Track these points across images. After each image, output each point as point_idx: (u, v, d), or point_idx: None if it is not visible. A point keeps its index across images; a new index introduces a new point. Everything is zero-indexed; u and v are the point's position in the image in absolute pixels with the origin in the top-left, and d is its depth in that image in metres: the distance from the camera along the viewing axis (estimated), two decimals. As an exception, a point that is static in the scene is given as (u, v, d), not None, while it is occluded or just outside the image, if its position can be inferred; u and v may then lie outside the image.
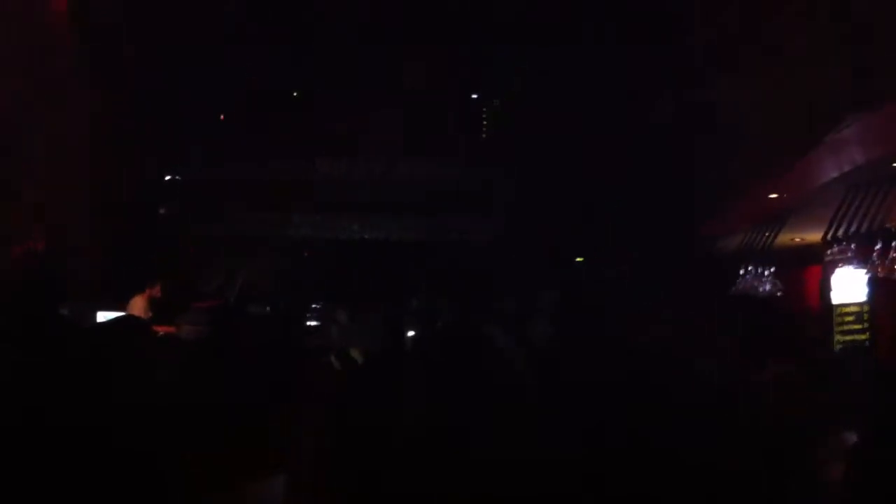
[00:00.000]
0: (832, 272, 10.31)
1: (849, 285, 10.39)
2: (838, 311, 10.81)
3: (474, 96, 16.96)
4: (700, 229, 11.53)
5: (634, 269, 12.29)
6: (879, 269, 8.18)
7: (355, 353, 7.14)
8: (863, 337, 10.35)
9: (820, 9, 7.58)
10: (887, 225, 8.15)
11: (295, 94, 16.38)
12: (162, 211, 15.06)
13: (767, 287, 10.08)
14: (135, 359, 3.63)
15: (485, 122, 16.94)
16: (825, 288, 10.96)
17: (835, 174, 8.24)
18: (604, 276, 13.11)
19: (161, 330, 10.11)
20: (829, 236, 8.86)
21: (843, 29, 7.11)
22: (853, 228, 8.49)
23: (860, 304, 10.38)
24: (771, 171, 8.61)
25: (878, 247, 8.16)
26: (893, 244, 7.97)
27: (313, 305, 12.07)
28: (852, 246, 8.70)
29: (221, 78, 14.41)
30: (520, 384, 5.11)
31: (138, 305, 10.74)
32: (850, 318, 10.58)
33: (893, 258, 7.96)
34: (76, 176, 11.06)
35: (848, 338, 10.65)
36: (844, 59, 7.07)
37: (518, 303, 11.74)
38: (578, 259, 15.94)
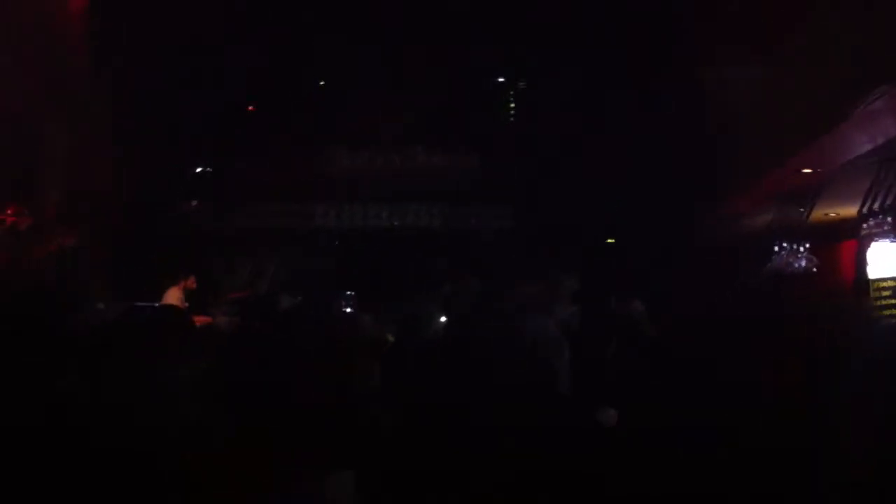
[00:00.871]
0: (868, 246, 10.19)
1: (885, 259, 10.25)
2: (875, 285, 10.68)
3: (501, 80, 16.89)
4: (733, 206, 11.42)
5: (664, 251, 12.20)
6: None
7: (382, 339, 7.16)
8: (900, 310, 10.23)
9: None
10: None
11: (321, 83, 16.37)
12: (192, 204, 15.15)
13: (802, 263, 9.96)
14: (177, 346, 3.66)
15: (512, 107, 16.87)
16: (861, 262, 10.83)
17: (868, 146, 8.12)
18: (632, 260, 13.01)
19: (196, 320, 10.22)
20: (864, 210, 8.75)
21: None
22: (889, 201, 8.38)
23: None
24: (803, 144, 8.51)
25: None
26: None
27: (347, 293, 12.08)
28: (888, 219, 8.58)
29: (241, 70, 14.45)
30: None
31: (174, 296, 10.80)
32: (888, 293, 10.45)
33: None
34: (100, 172, 11.12)
35: (886, 312, 10.52)
36: (875, 28, 6.97)
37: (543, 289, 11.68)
38: (609, 241, 15.84)
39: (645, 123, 12.84)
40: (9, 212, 9.18)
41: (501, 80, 16.97)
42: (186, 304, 10.63)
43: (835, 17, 7.56)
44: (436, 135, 15.79)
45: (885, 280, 10.43)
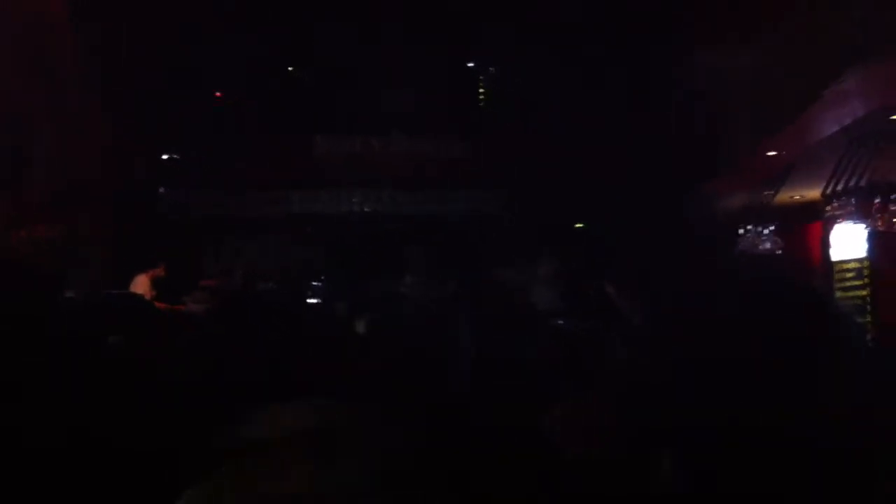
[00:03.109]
0: (832, 228, 10.37)
1: (848, 241, 10.44)
2: (838, 267, 10.87)
3: (470, 65, 16.89)
4: (701, 189, 11.55)
5: (635, 233, 12.31)
6: (879, 223, 8.23)
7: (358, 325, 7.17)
8: (863, 293, 10.40)
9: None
10: (887, 178, 8.20)
11: (291, 69, 16.30)
12: (162, 191, 15.01)
13: (767, 245, 10.12)
14: (135, 333, 3.67)
15: (482, 92, 16.88)
16: (825, 244, 11.02)
17: (835, 128, 8.26)
18: (604, 243, 13.13)
19: (165, 307, 10.19)
20: (828, 191, 8.90)
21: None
22: (853, 182, 8.53)
23: (860, 260, 10.43)
24: (769, 127, 8.63)
25: (877, 200, 8.20)
26: (893, 197, 8.01)
27: (314, 283, 12.08)
28: (852, 200, 8.74)
29: (216, 55, 14.34)
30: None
31: (142, 284, 10.75)
32: (851, 275, 10.63)
33: (893, 211, 8.00)
34: (74, 158, 11.02)
35: (849, 294, 10.70)
36: (842, 10, 7.09)
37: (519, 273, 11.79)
38: (578, 225, 15.93)
39: (619, 109, 12.95)
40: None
41: (474, 65, 17.00)
42: (154, 293, 10.59)
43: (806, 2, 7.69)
44: (418, 121, 15.78)
45: (847, 262, 10.62)
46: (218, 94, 15.59)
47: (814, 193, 10.28)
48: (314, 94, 15.47)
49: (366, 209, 15.54)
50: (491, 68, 16.75)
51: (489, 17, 14.51)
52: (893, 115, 7.65)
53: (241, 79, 15.20)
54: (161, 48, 13.19)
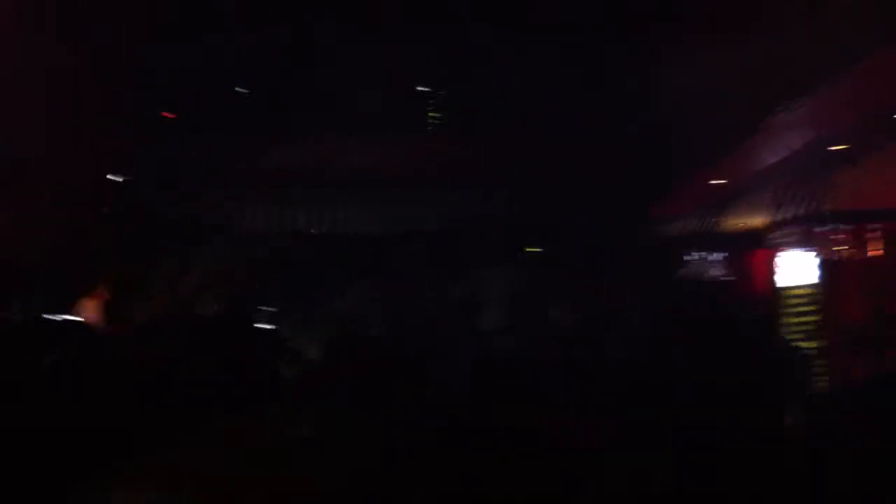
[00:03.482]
0: (778, 255, 10.46)
1: (797, 268, 10.54)
2: (786, 293, 10.97)
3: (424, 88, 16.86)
4: (648, 213, 11.61)
5: (582, 254, 12.34)
6: (823, 252, 8.31)
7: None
8: (812, 318, 10.50)
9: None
10: (828, 207, 8.27)
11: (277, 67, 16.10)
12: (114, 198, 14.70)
13: (715, 271, 10.18)
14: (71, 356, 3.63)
15: (432, 115, 16.82)
16: (772, 271, 11.12)
17: (775, 158, 8.35)
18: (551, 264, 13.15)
19: (114, 329, 10.01)
20: (772, 220, 8.97)
21: (782, 12, 7.20)
22: (796, 212, 8.60)
23: (808, 286, 10.54)
24: (713, 156, 8.71)
25: (820, 229, 8.28)
26: (834, 226, 8.09)
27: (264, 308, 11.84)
28: (796, 229, 8.81)
29: (181, 54, 14.13)
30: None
31: (89, 307, 10.59)
32: (799, 301, 10.73)
33: (834, 240, 8.08)
34: (22, 163, 10.81)
35: (797, 319, 10.80)
36: (780, 42, 7.16)
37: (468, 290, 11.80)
38: (529, 250, 15.92)
39: (571, 127, 12.98)
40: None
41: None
42: (101, 315, 10.43)
43: (746, 36, 7.76)
44: (389, 123, 15.65)
45: (796, 288, 10.73)
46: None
47: (759, 220, 10.37)
48: (308, 94, 15.25)
49: (361, 210, 15.28)
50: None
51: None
52: (834, 145, 7.73)
53: (228, 75, 15.01)
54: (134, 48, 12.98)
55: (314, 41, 14.60)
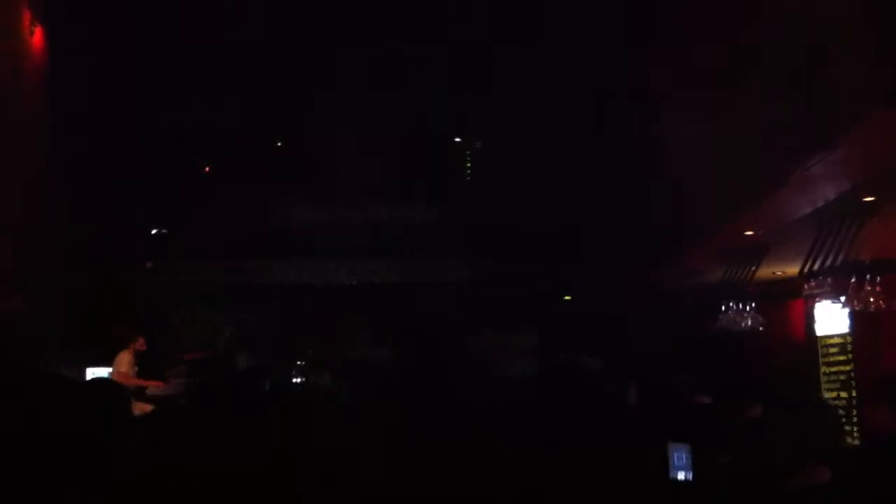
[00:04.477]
0: (813, 305, 10.39)
1: (831, 317, 10.46)
2: (822, 342, 10.87)
3: (457, 140, 17.08)
4: (679, 265, 11.59)
5: (616, 307, 12.35)
6: (855, 303, 8.22)
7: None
8: (847, 368, 10.41)
9: (780, 44, 7.70)
10: (860, 258, 8.21)
11: (274, 140, 16.46)
12: (147, 265, 15.07)
13: (749, 322, 10.11)
14: (110, 419, 3.72)
15: (468, 166, 17.04)
16: (809, 320, 11.03)
17: (807, 209, 8.32)
18: (586, 315, 13.19)
19: (149, 384, 10.22)
20: (805, 270, 8.91)
21: (804, 65, 7.22)
22: (828, 262, 8.54)
23: (843, 336, 10.45)
24: (743, 208, 8.70)
25: (853, 280, 8.20)
26: (867, 277, 8.02)
27: (298, 362, 12.06)
28: (829, 280, 8.74)
29: (195, 126, 14.50)
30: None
31: (125, 360, 10.76)
32: (835, 350, 10.65)
33: (868, 291, 8.00)
34: (50, 231, 11.05)
35: (833, 369, 10.71)
36: (809, 98, 7.18)
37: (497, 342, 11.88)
38: (566, 298, 16.00)
39: (595, 182, 13.06)
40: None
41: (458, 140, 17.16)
42: (136, 368, 10.59)
43: (774, 87, 7.78)
44: (391, 191, 15.89)
45: (831, 337, 10.66)
46: (206, 168, 15.75)
47: (793, 270, 10.31)
48: (286, 165, 15.57)
49: (346, 278, 15.54)
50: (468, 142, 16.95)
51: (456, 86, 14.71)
52: (864, 196, 7.69)
53: (220, 151, 15.35)
54: (131, 120, 13.30)
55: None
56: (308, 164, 15.53)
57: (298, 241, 15.52)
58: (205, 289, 14.81)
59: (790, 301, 11.72)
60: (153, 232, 15.29)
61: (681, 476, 5.55)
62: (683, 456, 5.56)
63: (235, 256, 15.15)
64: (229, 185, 14.97)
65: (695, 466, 5.46)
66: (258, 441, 4.23)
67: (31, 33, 10.91)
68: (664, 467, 5.50)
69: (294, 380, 11.65)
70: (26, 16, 10.81)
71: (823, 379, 10.76)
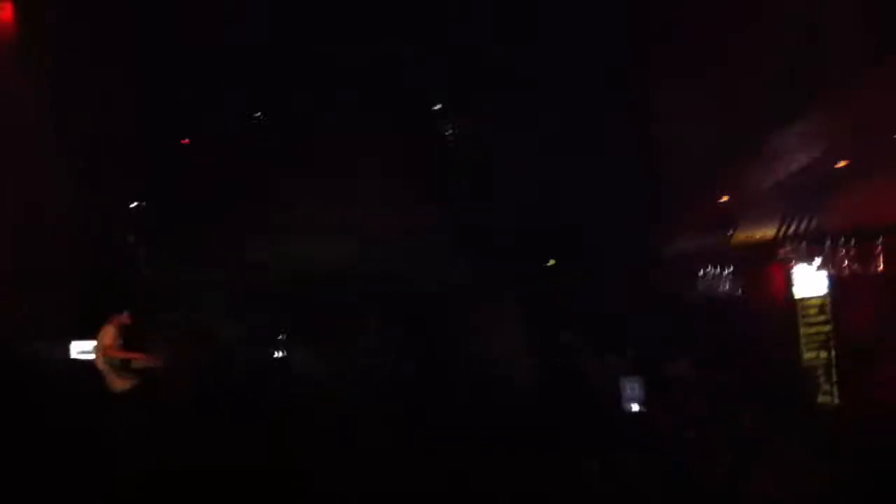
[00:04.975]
0: (790, 268, 10.49)
1: (810, 279, 10.57)
2: (802, 303, 10.99)
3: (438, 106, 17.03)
4: (657, 233, 11.68)
5: (597, 275, 12.42)
6: (830, 267, 8.34)
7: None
8: (826, 328, 10.53)
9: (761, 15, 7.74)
10: (835, 222, 8.32)
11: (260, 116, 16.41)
12: (128, 238, 15.06)
13: (727, 287, 10.22)
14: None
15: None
16: (788, 283, 11.14)
17: (780, 176, 8.40)
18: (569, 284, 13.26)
19: (131, 356, 10.27)
20: (780, 235, 9.01)
21: (781, 37, 7.28)
22: (802, 227, 8.65)
23: (822, 297, 10.56)
24: (719, 174, 8.78)
25: (826, 244, 8.32)
26: (840, 241, 8.13)
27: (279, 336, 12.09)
28: (803, 244, 8.85)
29: (184, 102, 14.44)
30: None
31: (108, 333, 10.76)
32: (814, 311, 10.76)
33: (841, 255, 8.12)
34: (38, 206, 11.07)
35: (812, 330, 10.82)
36: (782, 65, 7.23)
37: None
38: (550, 262, 16.03)
39: (578, 154, 13.11)
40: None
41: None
42: (120, 341, 10.63)
43: (749, 59, 7.84)
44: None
45: (810, 299, 10.76)
46: (185, 141, 15.69)
47: (771, 234, 10.41)
48: (288, 150, 15.53)
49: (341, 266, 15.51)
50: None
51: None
52: (834, 163, 7.78)
53: (212, 129, 15.32)
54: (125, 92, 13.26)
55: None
56: (308, 153, 15.38)
57: (294, 226, 15.45)
58: (197, 272, 14.74)
59: (769, 264, 11.82)
60: (140, 207, 15.24)
61: (634, 408, 5.72)
62: (635, 388, 5.73)
63: (228, 237, 15.08)
64: (227, 170, 14.86)
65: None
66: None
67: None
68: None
69: (275, 354, 11.70)
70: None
71: (803, 340, 10.88)
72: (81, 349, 11.68)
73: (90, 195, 12.67)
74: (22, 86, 10.98)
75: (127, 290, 12.19)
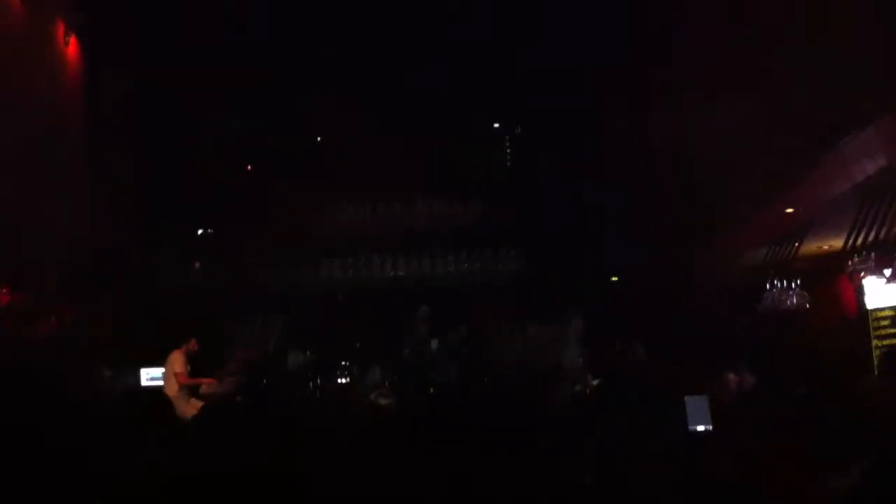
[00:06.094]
0: (859, 279, 10.27)
1: (882, 290, 10.33)
2: (873, 315, 10.74)
3: (496, 125, 17.07)
4: (722, 245, 11.53)
5: (663, 291, 12.29)
6: (899, 277, 8.17)
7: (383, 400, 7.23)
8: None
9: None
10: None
11: (318, 139, 16.59)
12: (195, 266, 15.30)
13: (794, 300, 10.04)
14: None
15: (509, 152, 17.02)
16: (859, 294, 10.91)
17: (846, 186, 8.25)
18: (632, 299, 13.15)
19: (200, 382, 10.44)
20: (848, 246, 8.85)
21: (843, 46, 7.18)
22: (871, 237, 8.48)
23: (894, 308, 10.32)
24: (783, 186, 8.65)
25: (896, 254, 8.15)
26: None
27: (343, 363, 12.16)
28: (872, 255, 8.68)
29: (233, 130, 14.66)
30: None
31: (178, 360, 10.95)
32: (886, 322, 10.51)
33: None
34: (98, 239, 11.31)
35: (885, 342, 10.58)
36: (843, 74, 7.13)
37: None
38: (613, 279, 15.96)
39: (638, 170, 13.02)
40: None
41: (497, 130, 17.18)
42: (188, 367, 10.81)
43: (806, 71, 7.74)
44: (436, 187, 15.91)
45: (882, 310, 10.51)
46: (248, 167, 15.93)
47: (839, 243, 10.22)
48: (332, 162, 15.67)
49: (392, 275, 15.61)
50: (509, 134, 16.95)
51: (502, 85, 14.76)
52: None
53: (255, 152, 15.54)
54: (173, 126, 13.51)
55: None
56: (350, 164, 15.52)
57: (343, 240, 15.61)
58: (256, 291, 14.91)
59: (837, 276, 11.61)
60: (199, 233, 15.51)
61: (700, 428, 5.63)
62: (703, 407, 5.65)
63: (284, 258, 15.27)
64: (270, 187, 15.04)
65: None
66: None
67: (67, 44, 11.17)
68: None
69: (339, 380, 11.76)
70: (61, 27, 11.06)
71: (875, 353, 10.64)
72: (151, 376, 11.91)
73: (153, 220, 12.94)
74: (53, 101, 11.30)
75: (194, 318, 12.41)
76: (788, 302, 10.07)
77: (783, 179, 8.49)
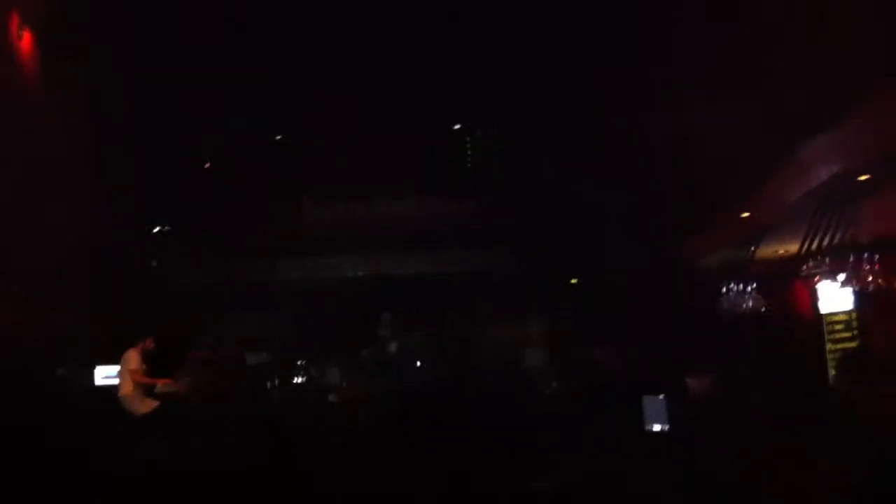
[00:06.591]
0: (814, 284, 10.39)
1: (836, 295, 10.46)
2: (828, 319, 10.87)
3: (457, 127, 17.05)
4: (680, 249, 11.62)
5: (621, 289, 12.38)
6: (854, 282, 8.26)
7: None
8: (852, 344, 10.41)
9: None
10: (859, 237, 8.24)
11: (279, 137, 16.47)
12: (152, 263, 15.13)
13: (750, 303, 10.14)
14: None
15: (469, 153, 17.01)
16: (814, 299, 11.03)
17: (802, 191, 8.34)
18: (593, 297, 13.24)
19: (157, 382, 10.34)
20: (803, 251, 8.95)
21: (803, 52, 7.25)
22: (826, 242, 8.57)
23: (848, 313, 10.45)
24: (740, 191, 8.73)
25: (850, 260, 8.23)
26: (864, 256, 8.04)
27: (298, 362, 12.08)
28: (826, 259, 8.78)
29: (205, 125, 14.51)
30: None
31: (133, 359, 10.83)
32: (840, 327, 10.64)
33: (866, 270, 8.03)
34: (62, 231, 11.15)
35: (839, 346, 10.71)
36: (804, 80, 7.21)
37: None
38: (573, 281, 16.03)
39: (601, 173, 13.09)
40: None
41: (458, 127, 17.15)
42: (144, 366, 10.69)
43: (769, 79, 7.81)
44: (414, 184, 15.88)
45: (836, 314, 10.64)
46: (208, 164, 15.77)
47: (794, 248, 10.33)
48: (297, 161, 15.59)
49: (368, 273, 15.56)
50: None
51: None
52: (859, 176, 7.70)
53: (236, 147, 15.37)
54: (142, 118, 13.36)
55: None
56: (329, 161, 15.42)
57: (316, 237, 15.51)
58: (221, 288, 14.77)
59: (793, 280, 11.73)
60: (162, 230, 15.34)
61: (657, 427, 5.66)
62: (660, 407, 5.68)
63: (252, 254, 15.15)
64: (242, 182, 14.92)
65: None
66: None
67: (20, 38, 11.00)
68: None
69: (295, 379, 11.70)
70: (14, 20, 10.89)
71: (829, 356, 10.77)
72: (106, 374, 11.77)
73: (114, 217, 12.75)
74: (44, 103, 11.14)
75: (150, 314, 12.29)
76: (744, 305, 10.17)
77: (741, 184, 8.57)
